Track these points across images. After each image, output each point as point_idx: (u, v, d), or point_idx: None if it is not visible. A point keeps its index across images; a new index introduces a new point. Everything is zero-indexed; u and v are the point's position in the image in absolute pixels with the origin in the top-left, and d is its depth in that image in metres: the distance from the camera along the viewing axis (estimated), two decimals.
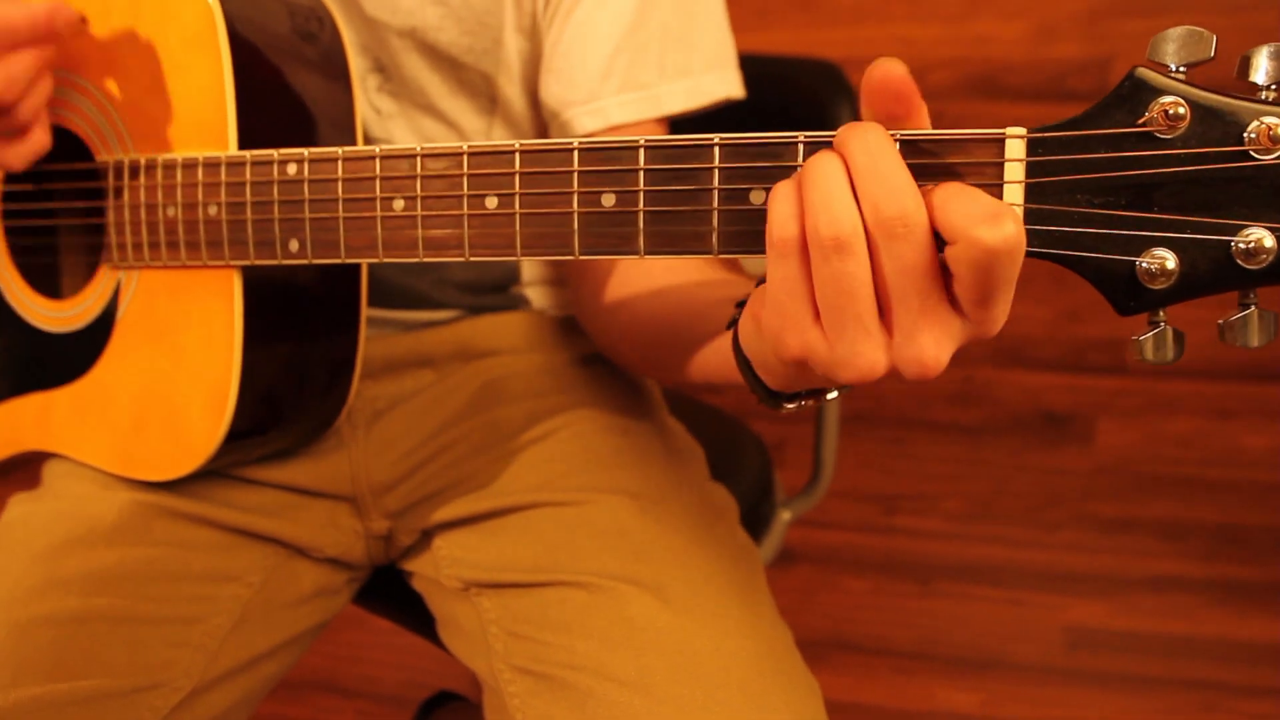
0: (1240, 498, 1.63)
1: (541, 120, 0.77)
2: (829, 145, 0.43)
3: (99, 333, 0.67)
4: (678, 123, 0.73)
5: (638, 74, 0.70)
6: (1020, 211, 0.41)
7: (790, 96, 0.99)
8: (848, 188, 0.40)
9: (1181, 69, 0.39)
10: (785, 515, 0.99)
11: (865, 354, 0.41)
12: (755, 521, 0.93)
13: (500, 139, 0.77)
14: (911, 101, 0.41)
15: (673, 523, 0.66)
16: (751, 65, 0.75)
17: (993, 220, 0.38)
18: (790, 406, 0.51)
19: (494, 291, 0.80)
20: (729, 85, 0.73)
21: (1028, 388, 1.75)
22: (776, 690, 0.57)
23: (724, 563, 0.64)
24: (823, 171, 0.41)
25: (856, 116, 1.04)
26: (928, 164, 0.41)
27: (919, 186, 0.40)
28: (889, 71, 0.40)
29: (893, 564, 1.61)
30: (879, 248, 0.40)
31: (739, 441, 1.01)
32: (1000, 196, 0.41)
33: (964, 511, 1.67)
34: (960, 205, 0.39)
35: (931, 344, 0.41)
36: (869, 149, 0.40)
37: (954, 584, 1.57)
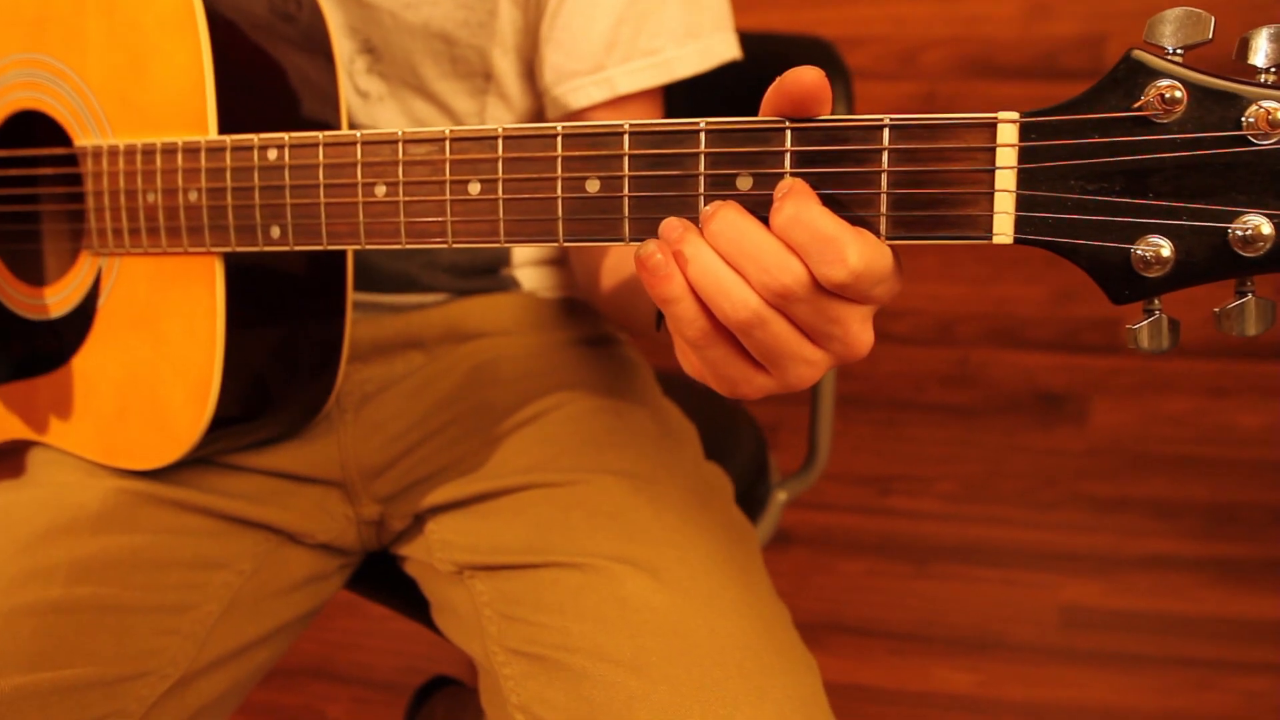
0: (1235, 476, 1.63)
1: (536, 94, 0.76)
2: (817, 131, 0.42)
3: (81, 320, 0.66)
4: (672, 94, 0.73)
5: (644, 41, 0.70)
6: (1014, 199, 0.40)
7: None
8: (733, 271, 0.43)
9: (1179, 51, 0.38)
10: (781, 496, 0.99)
11: (809, 374, 0.45)
12: (750, 503, 0.92)
13: (494, 121, 0.76)
14: (825, 101, 0.43)
15: (667, 502, 0.66)
16: (746, 44, 0.74)
17: (834, 261, 0.41)
18: None
19: (483, 274, 0.79)
20: (732, 47, 0.73)
21: (1022, 368, 1.75)
22: (774, 669, 0.57)
23: (720, 542, 0.64)
24: (702, 265, 0.43)
25: (850, 95, 1.04)
26: (919, 149, 0.41)
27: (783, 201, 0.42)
28: (800, 77, 0.42)
29: (888, 545, 1.61)
30: (783, 309, 0.43)
31: (733, 422, 1.00)
32: (991, 182, 0.40)
33: (959, 492, 1.67)
34: (803, 248, 0.42)
35: (856, 333, 0.44)
36: (728, 236, 0.43)
37: (949, 565, 1.57)
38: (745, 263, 0.43)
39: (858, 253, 0.41)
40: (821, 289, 0.42)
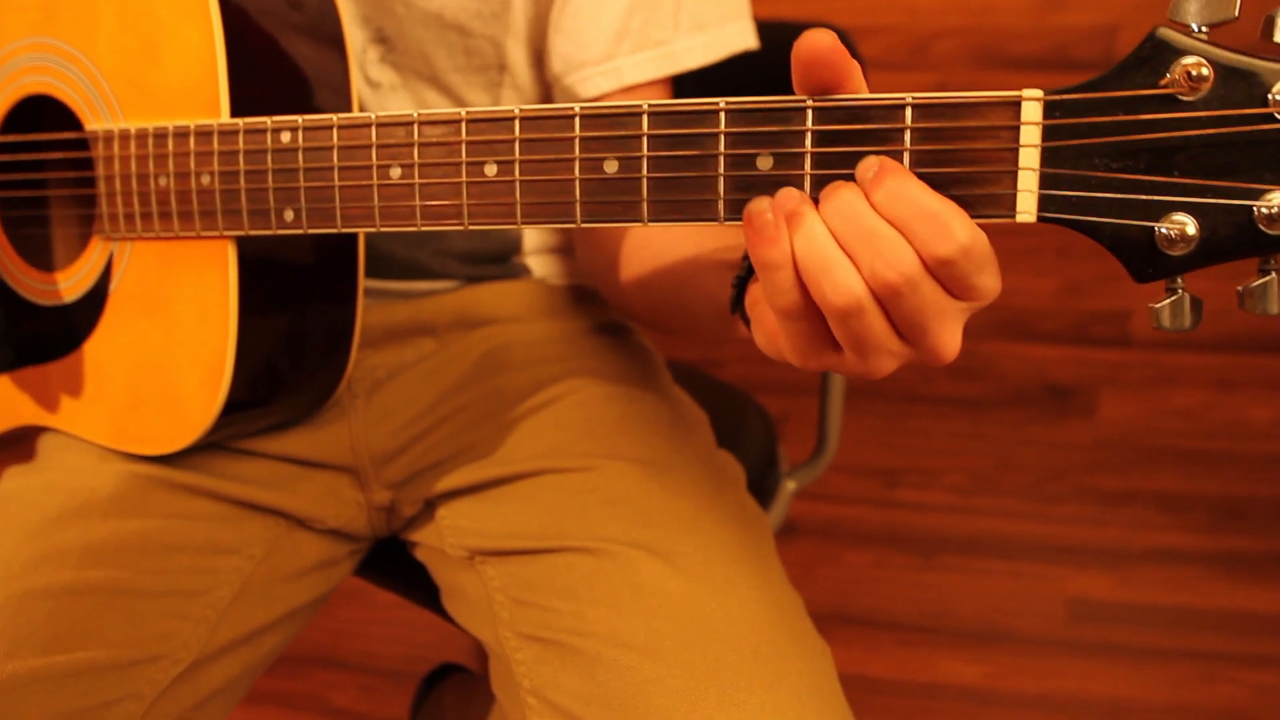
0: (1242, 469, 1.62)
1: (546, 83, 0.76)
2: (839, 110, 0.42)
3: (92, 306, 0.66)
4: (683, 81, 0.72)
5: (653, 31, 0.69)
6: (1037, 177, 0.40)
7: None
8: (842, 252, 0.41)
9: (1204, 29, 0.38)
10: (791, 485, 0.99)
11: (890, 365, 0.44)
12: (760, 492, 0.92)
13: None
14: (842, 67, 0.41)
15: (680, 489, 0.66)
16: (759, 32, 0.74)
17: (943, 237, 0.39)
18: None
19: (495, 262, 0.79)
20: (746, 36, 0.73)
21: (1030, 360, 1.75)
22: (789, 655, 0.56)
23: (733, 528, 0.64)
24: (814, 239, 0.41)
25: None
26: (942, 128, 0.40)
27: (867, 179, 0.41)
28: (817, 42, 0.40)
29: (895, 537, 1.61)
30: (885, 302, 0.41)
31: (743, 412, 1.00)
32: (1015, 160, 0.40)
33: (966, 485, 1.67)
34: (907, 224, 0.40)
35: (948, 336, 0.42)
36: (844, 214, 0.41)
37: (956, 557, 1.56)
38: (858, 245, 0.41)
39: (963, 225, 0.40)
40: (929, 276, 0.41)
